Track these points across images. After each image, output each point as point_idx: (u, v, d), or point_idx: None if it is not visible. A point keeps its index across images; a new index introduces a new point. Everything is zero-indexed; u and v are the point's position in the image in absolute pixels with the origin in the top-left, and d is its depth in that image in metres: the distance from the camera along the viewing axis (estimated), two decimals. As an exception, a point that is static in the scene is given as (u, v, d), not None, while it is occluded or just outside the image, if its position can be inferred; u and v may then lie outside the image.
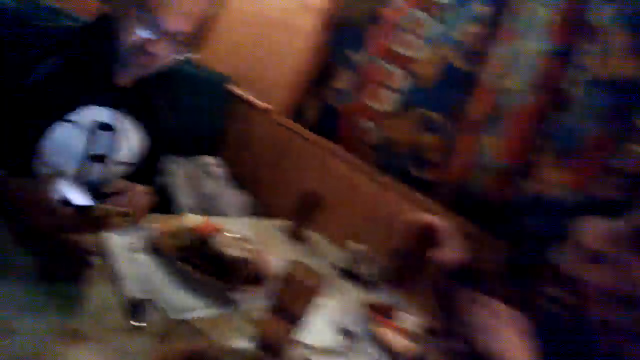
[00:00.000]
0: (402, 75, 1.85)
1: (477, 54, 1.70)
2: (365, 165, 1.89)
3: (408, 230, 1.00)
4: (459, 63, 1.74)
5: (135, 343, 0.75)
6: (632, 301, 0.77)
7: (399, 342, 1.15)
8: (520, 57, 1.63)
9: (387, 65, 1.88)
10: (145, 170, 1.32)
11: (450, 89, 1.75)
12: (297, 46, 2.13)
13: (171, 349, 0.70)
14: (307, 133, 2.04)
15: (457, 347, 0.82)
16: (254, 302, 1.03)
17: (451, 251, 0.92)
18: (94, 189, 1.11)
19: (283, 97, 2.14)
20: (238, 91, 2.23)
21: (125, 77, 1.15)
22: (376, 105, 1.90)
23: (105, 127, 1.14)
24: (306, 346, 0.96)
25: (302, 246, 1.58)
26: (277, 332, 0.88)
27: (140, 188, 1.15)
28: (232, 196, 1.89)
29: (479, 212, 1.67)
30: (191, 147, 1.97)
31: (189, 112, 1.89)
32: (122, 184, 1.12)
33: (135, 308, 0.80)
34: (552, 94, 1.58)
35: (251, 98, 2.21)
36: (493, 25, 1.68)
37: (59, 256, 0.86)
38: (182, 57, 1.13)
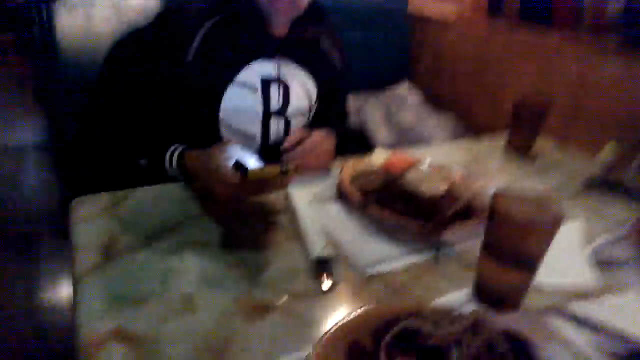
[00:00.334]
0: None
1: None
2: (606, 44, 1.40)
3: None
4: None
5: (324, 308, 0.65)
6: None
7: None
8: None
9: None
10: (327, 116, 1.23)
11: None
12: None
13: (367, 312, 0.57)
14: (509, 25, 1.63)
15: None
16: (465, 243, 0.83)
17: None
18: (276, 146, 1.07)
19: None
20: (417, 8, 1.95)
21: (278, 25, 1.06)
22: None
23: (274, 80, 1.07)
24: (549, 290, 0.72)
25: (529, 165, 1.27)
26: (500, 278, 0.67)
27: (318, 134, 1.05)
28: (433, 122, 1.67)
29: None
30: (379, 80, 1.81)
31: (366, 44, 1.73)
32: (298, 133, 1.04)
33: (323, 268, 0.71)
34: None
35: (433, 10, 1.90)
36: None
37: (239, 224, 0.83)
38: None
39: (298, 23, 1.08)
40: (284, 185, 0.83)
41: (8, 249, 2.07)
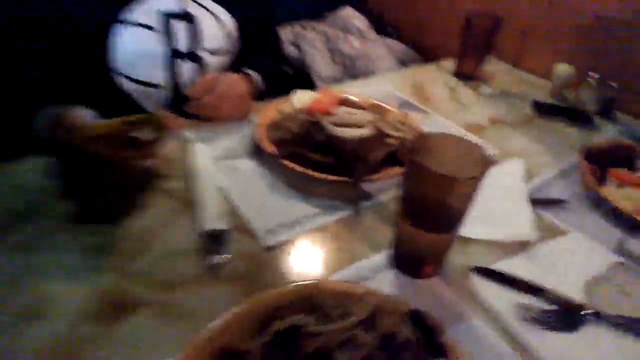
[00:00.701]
0: None
1: None
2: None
3: None
4: None
5: (208, 299, 0.55)
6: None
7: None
8: None
9: None
10: (255, 53, 1.08)
11: None
12: None
13: (247, 308, 0.47)
14: None
15: None
16: (392, 192, 0.73)
17: None
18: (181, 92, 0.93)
19: None
20: None
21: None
22: None
23: (179, 16, 0.91)
24: (482, 242, 0.64)
25: (478, 90, 1.16)
26: (417, 240, 0.57)
27: (230, 76, 0.91)
28: (380, 50, 1.52)
29: None
30: (318, 5, 1.62)
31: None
32: (206, 78, 0.89)
33: (213, 243, 0.60)
34: None
35: None
36: None
37: (114, 197, 0.70)
38: None
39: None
40: (154, 142, 0.69)
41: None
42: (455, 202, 0.53)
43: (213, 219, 0.62)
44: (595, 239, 0.67)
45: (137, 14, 0.87)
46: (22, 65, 0.83)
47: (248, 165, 0.78)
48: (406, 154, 0.54)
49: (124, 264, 0.57)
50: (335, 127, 0.79)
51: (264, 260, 0.60)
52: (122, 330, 0.50)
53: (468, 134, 0.95)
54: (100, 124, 0.63)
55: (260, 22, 1.11)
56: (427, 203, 0.53)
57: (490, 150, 0.90)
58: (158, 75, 0.93)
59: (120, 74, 0.89)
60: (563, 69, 1.13)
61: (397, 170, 0.75)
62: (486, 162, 0.52)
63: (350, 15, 1.60)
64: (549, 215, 0.72)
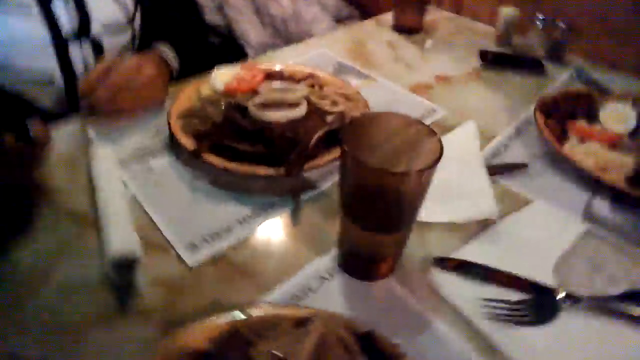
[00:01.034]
0: None
1: None
2: None
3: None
4: None
5: (124, 334, 0.45)
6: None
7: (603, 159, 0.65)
8: None
9: None
10: (164, 26, 0.93)
11: None
12: None
13: (180, 342, 0.38)
14: None
15: None
16: (331, 183, 0.64)
17: None
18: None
19: None
20: None
21: None
22: None
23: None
24: (440, 226, 0.56)
25: (420, 44, 1.06)
26: (365, 241, 0.49)
27: (134, 58, 0.77)
28: (313, 9, 1.38)
29: None
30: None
31: None
32: (103, 63, 0.75)
33: (121, 273, 0.49)
34: None
35: None
36: None
37: None
38: None
39: None
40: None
41: None
42: (407, 197, 0.44)
43: (120, 243, 0.51)
44: (561, 206, 0.61)
45: None
46: None
47: (163, 165, 0.66)
48: (341, 144, 0.45)
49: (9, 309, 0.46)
50: (261, 110, 0.68)
51: (186, 284, 0.50)
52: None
53: (414, 95, 0.86)
54: None
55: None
56: (373, 201, 0.44)
57: (440, 112, 0.81)
58: (47, 65, 0.78)
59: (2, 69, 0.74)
60: (507, 12, 1.05)
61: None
62: (438, 146, 0.43)
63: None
64: (509, 184, 0.65)
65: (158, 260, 0.52)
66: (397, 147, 0.48)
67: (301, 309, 0.41)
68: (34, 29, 0.74)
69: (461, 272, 0.51)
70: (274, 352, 0.36)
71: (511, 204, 0.62)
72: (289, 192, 0.62)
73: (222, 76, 0.78)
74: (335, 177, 0.65)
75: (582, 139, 0.68)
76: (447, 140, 0.56)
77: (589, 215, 0.59)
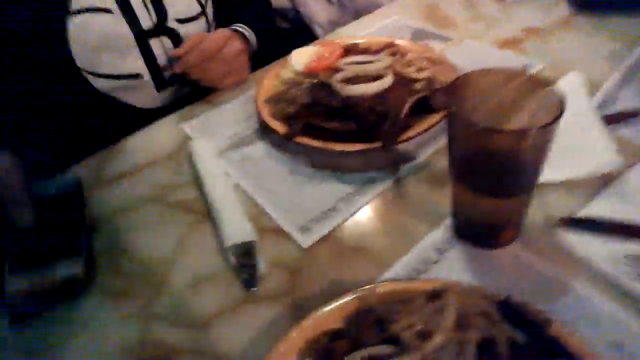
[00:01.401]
0: None
1: None
2: None
3: None
4: None
5: (253, 321, 0.46)
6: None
7: None
8: None
9: None
10: (237, 11, 0.94)
11: None
12: None
13: (314, 324, 0.38)
14: None
15: None
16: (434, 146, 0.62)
17: None
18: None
19: None
20: None
21: None
22: None
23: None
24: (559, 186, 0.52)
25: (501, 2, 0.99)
26: (482, 208, 0.46)
27: (218, 34, 0.79)
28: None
29: None
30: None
31: None
32: (188, 43, 0.77)
33: (241, 260, 0.50)
34: None
35: None
36: None
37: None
38: None
39: None
40: None
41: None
42: (527, 157, 0.41)
43: (236, 230, 0.52)
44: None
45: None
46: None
47: (259, 151, 0.67)
48: (445, 107, 0.42)
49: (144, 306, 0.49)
50: (346, 85, 0.66)
51: (304, 266, 0.50)
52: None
53: (504, 52, 0.81)
54: None
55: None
56: (491, 164, 0.42)
57: (536, 66, 0.75)
58: (132, 64, 0.81)
59: (87, 71, 0.77)
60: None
61: (434, 118, 0.63)
62: (557, 98, 0.40)
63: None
64: (627, 132, 0.59)
65: (272, 244, 0.53)
66: (507, 103, 0.45)
67: (431, 281, 0.40)
68: (117, 28, 0.77)
69: (594, 230, 0.47)
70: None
71: (632, 154, 0.56)
72: (387, 166, 0.61)
73: (301, 57, 0.77)
74: (434, 146, 0.63)
75: None
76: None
77: None
